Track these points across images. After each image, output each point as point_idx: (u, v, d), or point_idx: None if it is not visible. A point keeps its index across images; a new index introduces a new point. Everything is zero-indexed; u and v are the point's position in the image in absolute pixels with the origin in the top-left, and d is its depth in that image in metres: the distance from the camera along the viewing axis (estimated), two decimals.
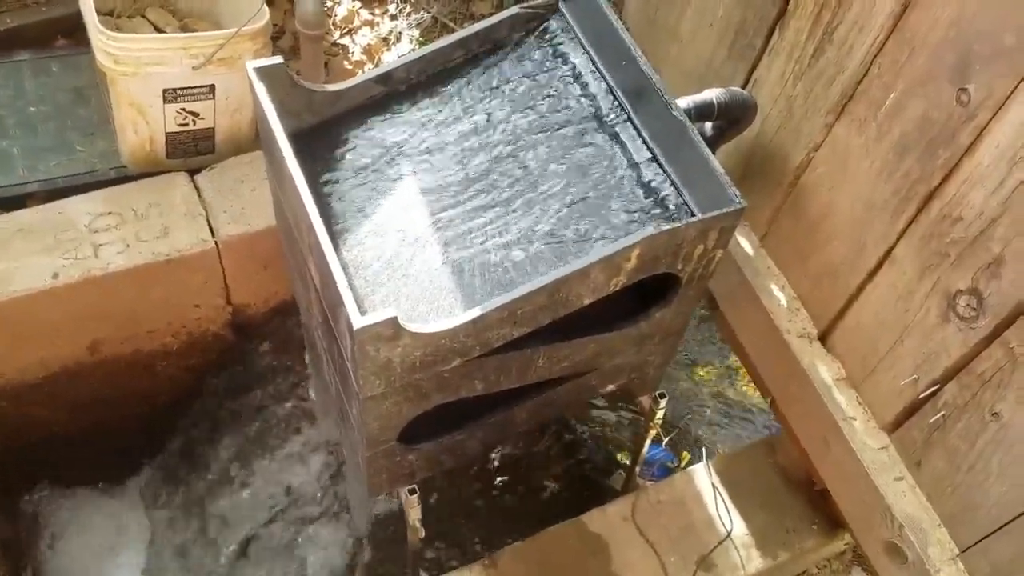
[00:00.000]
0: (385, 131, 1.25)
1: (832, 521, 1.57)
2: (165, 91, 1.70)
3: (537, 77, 1.28)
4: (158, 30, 1.92)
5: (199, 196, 1.75)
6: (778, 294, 1.42)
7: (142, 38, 1.73)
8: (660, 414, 1.53)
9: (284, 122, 1.10)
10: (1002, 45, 0.98)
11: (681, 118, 1.17)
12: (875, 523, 1.29)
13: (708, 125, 1.31)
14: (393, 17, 2.46)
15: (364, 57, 2.35)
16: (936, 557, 1.21)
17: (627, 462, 2.00)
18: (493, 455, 1.94)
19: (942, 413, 1.17)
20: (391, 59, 2.35)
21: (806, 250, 1.36)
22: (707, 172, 1.14)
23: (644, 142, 1.19)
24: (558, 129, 1.23)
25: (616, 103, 1.22)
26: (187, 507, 1.88)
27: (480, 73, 1.29)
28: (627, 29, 1.26)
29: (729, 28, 1.42)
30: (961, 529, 1.21)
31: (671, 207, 1.15)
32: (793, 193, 1.36)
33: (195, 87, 1.71)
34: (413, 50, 2.36)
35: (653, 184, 1.16)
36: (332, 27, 2.37)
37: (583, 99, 1.25)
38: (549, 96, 1.26)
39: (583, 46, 1.27)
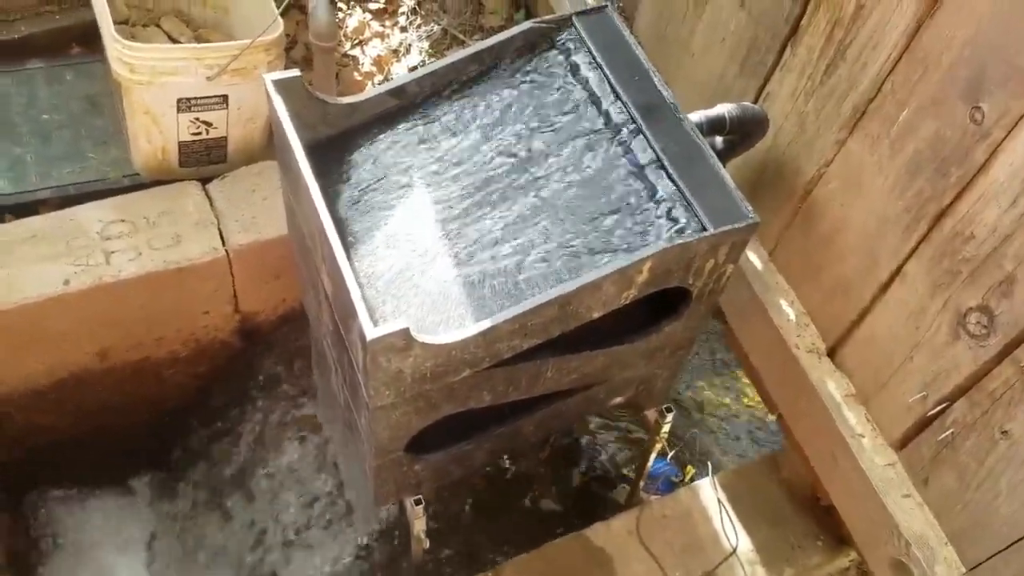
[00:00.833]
0: (398, 144, 1.26)
1: (837, 537, 1.56)
2: (179, 100, 1.71)
3: (550, 91, 1.29)
4: (172, 40, 1.94)
5: (211, 205, 1.76)
6: (787, 309, 1.42)
7: (158, 48, 1.75)
8: (666, 428, 1.53)
9: (299, 134, 1.11)
10: (1018, 64, 0.98)
11: (694, 133, 1.18)
12: (882, 540, 1.28)
13: (719, 139, 1.32)
14: (403, 29, 2.48)
15: (374, 68, 2.37)
16: (943, 575, 1.21)
17: (631, 475, 1.99)
18: (498, 467, 1.93)
19: (951, 431, 1.17)
20: (401, 71, 2.37)
21: (816, 265, 1.37)
22: (719, 186, 1.15)
23: (656, 156, 1.20)
24: (570, 143, 1.24)
25: (629, 117, 1.23)
26: (193, 513, 1.88)
27: (493, 87, 1.30)
28: (639, 44, 1.27)
29: (741, 44, 1.43)
30: (968, 547, 1.20)
31: (683, 221, 1.15)
32: (803, 208, 1.36)
33: (209, 97, 1.73)
34: (423, 62, 2.38)
35: (665, 198, 1.17)
36: (343, 39, 2.39)
37: (596, 113, 1.26)
38: (562, 110, 1.27)
39: (596, 61, 1.28)
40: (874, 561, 1.34)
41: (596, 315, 1.13)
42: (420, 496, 1.34)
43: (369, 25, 2.46)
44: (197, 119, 1.75)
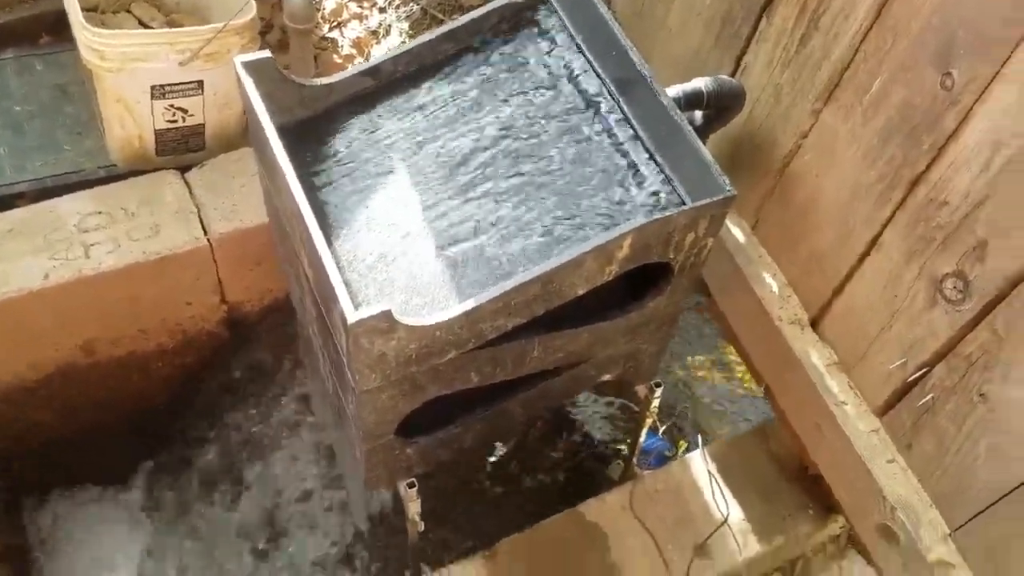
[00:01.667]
0: (376, 125, 1.25)
1: (826, 505, 1.58)
2: (153, 87, 1.69)
3: (527, 68, 1.28)
4: (144, 25, 1.91)
5: (190, 193, 1.74)
6: (770, 281, 1.43)
7: (127, 33, 1.72)
8: (656, 403, 1.54)
9: (273, 116, 1.10)
10: (985, 28, 0.99)
11: (671, 108, 1.18)
12: (868, 506, 1.30)
13: (698, 114, 1.32)
14: (382, 10, 2.45)
15: (354, 51, 2.35)
16: (928, 537, 1.23)
17: (625, 451, 2.01)
18: (490, 447, 1.94)
19: (931, 396, 1.19)
20: (380, 52, 2.34)
21: (796, 237, 1.37)
22: (697, 161, 1.15)
23: (634, 132, 1.20)
24: (549, 120, 1.24)
25: (606, 93, 1.23)
26: (185, 507, 1.88)
27: (470, 65, 1.29)
28: (616, 20, 1.27)
29: (716, 17, 1.43)
30: (951, 509, 1.22)
31: (662, 196, 1.16)
32: (782, 180, 1.37)
33: (183, 83, 1.70)
34: (403, 43, 2.35)
35: (644, 173, 1.17)
36: (321, 21, 2.36)
37: (573, 90, 1.26)
38: (539, 87, 1.26)
39: (573, 37, 1.27)
40: (862, 527, 1.36)
41: (579, 292, 1.13)
42: (413, 480, 1.34)
43: (347, 7, 2.43)
44: (172, 106, 1.73)
